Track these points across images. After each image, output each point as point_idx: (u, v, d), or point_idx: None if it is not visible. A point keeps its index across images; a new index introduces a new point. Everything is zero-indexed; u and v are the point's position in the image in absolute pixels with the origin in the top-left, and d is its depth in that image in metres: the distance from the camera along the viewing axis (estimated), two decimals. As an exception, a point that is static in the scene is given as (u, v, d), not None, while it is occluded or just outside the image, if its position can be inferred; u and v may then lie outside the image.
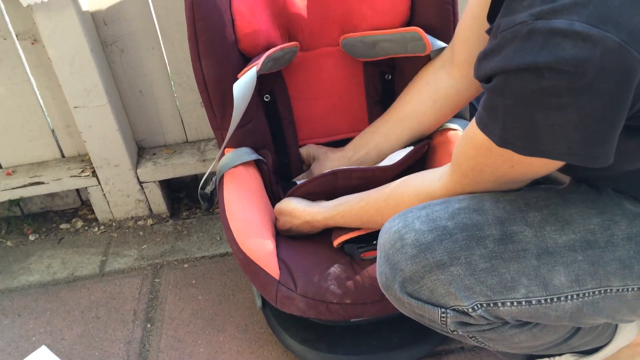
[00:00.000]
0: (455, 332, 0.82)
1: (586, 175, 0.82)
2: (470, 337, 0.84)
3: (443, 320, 0.79)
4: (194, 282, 1.44)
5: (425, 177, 0.91)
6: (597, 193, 0.80)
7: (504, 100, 0.66)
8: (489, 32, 0.75)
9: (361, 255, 1.03)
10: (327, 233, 1.10)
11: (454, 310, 0.78)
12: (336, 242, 1.06)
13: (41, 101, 1.52)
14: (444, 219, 0.78)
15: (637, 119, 0.65)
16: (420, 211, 0.80)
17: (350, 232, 1.04)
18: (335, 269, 1.02)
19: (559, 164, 0.71)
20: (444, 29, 1.14)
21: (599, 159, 0.65)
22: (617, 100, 0.61)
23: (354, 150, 1.19)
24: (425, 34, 1.10)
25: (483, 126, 0.71)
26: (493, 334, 0.83)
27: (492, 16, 0.79)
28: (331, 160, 1.20)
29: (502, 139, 0.69)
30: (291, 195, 1.14)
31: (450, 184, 0.82)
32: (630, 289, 0.77)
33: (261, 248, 1.05)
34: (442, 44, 1.11)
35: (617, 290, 0.77)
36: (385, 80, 1.25)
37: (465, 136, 0.77)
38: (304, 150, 1.26)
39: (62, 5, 1.29)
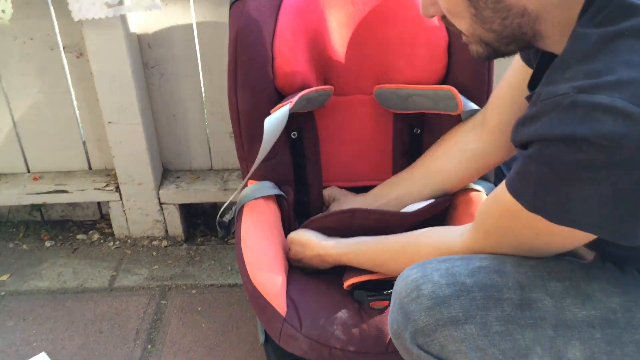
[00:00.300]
0: None
1: (613, 252, 0.81)
2: None
3: None
4: (199, 309, 1.43)
5: (446, 231, 0.91)
6: (622, 272, 0.79)
7: (539, 168, 0.66)
8: (528, 98, 0.76)
9: (370, 304, 1.03)
10: (339, 274, 1.10)
11: None
12: (347, 284, 1.05)
13: (77, 113, 1.56)
14: (464, 275, 0.77)
15: None
16: (440, 264, 0.79)
17: (363, 274, 1.04)
18: (342, 314, 1.02)
19: (585, 238, 0.70)
20: (478, 91, 1.15)
21: (628, 237, 0.65)
22: None
23: (375, 197, 1.20)
24: (459, 94, 1.12)
25: (513, 190, 0.71)
26: None
27: (533, 84, 0.80)
28: (351, 203, 1.21)
29: (533, 205, 0.69)
30: (306, 226, 1.14)
31: (471, 242, 0.82)
32: None
33: (271, 283, 1.05)
34: (474, 105, 1.13)
35: None
36: (414, 134, 1.27)
37: (493, 197, 0.78)
38: (326, 192, 1.28)
39: (112, 24, 1.34)
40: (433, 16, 0.79)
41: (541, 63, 0.79)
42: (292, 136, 1.24)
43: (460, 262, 0.79)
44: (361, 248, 1.02)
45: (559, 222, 0.68)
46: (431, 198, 1.15)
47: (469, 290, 0.76)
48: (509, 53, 0.77)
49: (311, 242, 1.10)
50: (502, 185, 0.74)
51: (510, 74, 0.99)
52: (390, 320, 0.82)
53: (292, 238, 1.14)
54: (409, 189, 1.16)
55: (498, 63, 1.40)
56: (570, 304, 0.75)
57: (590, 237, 0.70)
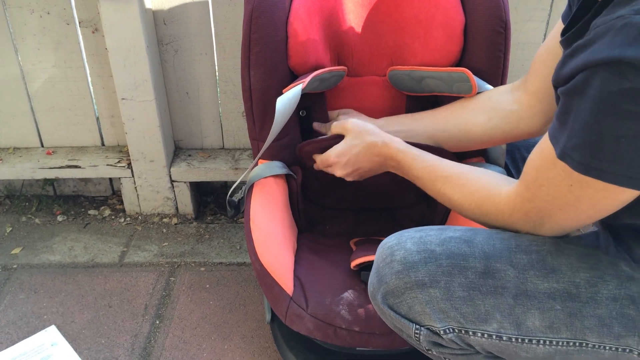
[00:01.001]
0: (430, 352, 0.84)
1: (624, 224, 0.80)
2: None
3: (417, 337, 0.82)
4: (207, 286, 1.44)
5: (500, 177, 0.89)
6: (595, 249, 0.80)
7: (579, 102, 0.65)
8: (562, 43, 0.76)
9: (376, 285, 1.03)
10: (346, 255, 1.11)
11: (427, 329, 0.81)
12: (354, 264, 1.06)
13: (91, 88, 1.57)
14: (434, 243, 0.81)
15: None
16: (416, 233, 0.84)
17: (370, 255, 1.04)
18: (348, 295, 1.02)
19: (617, 195, 0.68)
20: (493, 75, 1.14)
21: None
22: None
23: (386, 122, 1.17)
24: (473, 77, 1.10)
25: (552, 135, 0.71)
26: None
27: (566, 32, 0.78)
28: (358, 117, 1.19)
29: (563, 150, 0.68)
30: (305, 146, 1.14)
31: (514, 193, 0.81)
32: (607, 348, 0.77)
33: (279, 262, 1.05)
34: (489, 87, 1.12)
35: (594, 346, 0.77)
36: (427, 117, 1.26)
37: (537, 146, 0.77)
38: (335, 112, 1.24)
39: (127, 0, 1.34)
40: None
41: (580, 9, 0.77)
42: (301, 114, 1.24)
43: (435, 232, 0.83)
44: (421, 155, 0.98)
45: (583, 171, 0.66)
46: (443, 145, 1.13)
47: (437, 257, 0.80)
48: None
49: (375, 130, 1.05)
50: (547, 134, 0.74)
51: (550, 41, 0.97)
52: (369, 283, 0.87)
53: (352, 124, 1.06)
54: (426, 127, 1.13)
55: (514, 48, 1.38)
56: (533, 276, 0.78)
57: (625, 196, 0.68)
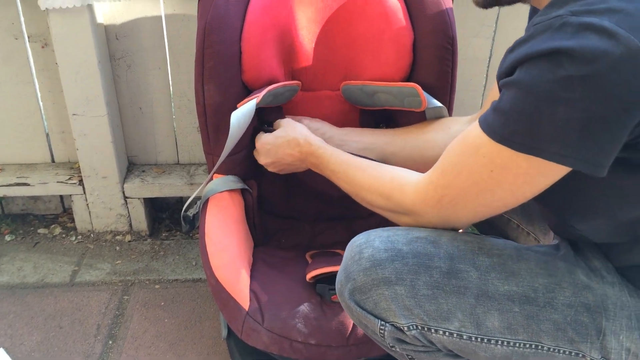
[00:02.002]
0: (394, 348, 0.86)
1: (576, 234, 0.84)
2: (408, 357, 0.88)
3: (381, 333, 0.84)
4: (162, 304, 1.42)
5: (411, 171, 0.92)
6: (553, 257, 0.84)
7: (517, 93, 0.69)
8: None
9: (332, 297, 1.04)
10: (302, 268, 1.11)
11: (392, 325, 0.83)
12: (309, 276, 1.06)
13: (41, 104, 1.53)
14: (401, 243, 0.83)
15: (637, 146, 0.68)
16: (384, 232, 0.85)
17: (325, 266, 1.04)
18: (304, 308, 1.02)
19: (542, 178, 0.73)
20: (442, 89, 1.17)
21: (589, 164, 0.68)
22: (625, 108, 0.65)
23: (348, 132, 1.21)
24: (423, 92, 1.13)
25: (485, 123, 0.74)
26: (428, 358, 0.86)
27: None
28: (321, 123, 1.22)
29: (501, 135, 0.72)
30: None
31: (426, 181, 0.84)
32: (562, 351, 0.80)
33: (234, 276, 1.05)
34: (437, 103, 1.15)
35: (549, 349, 0.80)
36: (380, 130, 1.28)
37: (460, 136, 0.81)
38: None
39: (78, 14, 1.32)
40: None
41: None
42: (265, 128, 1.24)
43: (402, 231, 0.85)
44: (337, 151, 1.04)
45: (524, 150, 0.70)
46: (401, 165, 1.15)
47: (404, 256, 0.82)
48: (508, 2, 0.83)
49: (302, 128, 1.11)
50: (474, 124, 0.77)
51: None
52: (337, 280, 0.88)
53: (286, 120, 1.15)
54: (385, 144, 1.17)
55: (462, 63, 1.42)
56: (494, 278, 0.81)
57: (545, 180, 0.73)
